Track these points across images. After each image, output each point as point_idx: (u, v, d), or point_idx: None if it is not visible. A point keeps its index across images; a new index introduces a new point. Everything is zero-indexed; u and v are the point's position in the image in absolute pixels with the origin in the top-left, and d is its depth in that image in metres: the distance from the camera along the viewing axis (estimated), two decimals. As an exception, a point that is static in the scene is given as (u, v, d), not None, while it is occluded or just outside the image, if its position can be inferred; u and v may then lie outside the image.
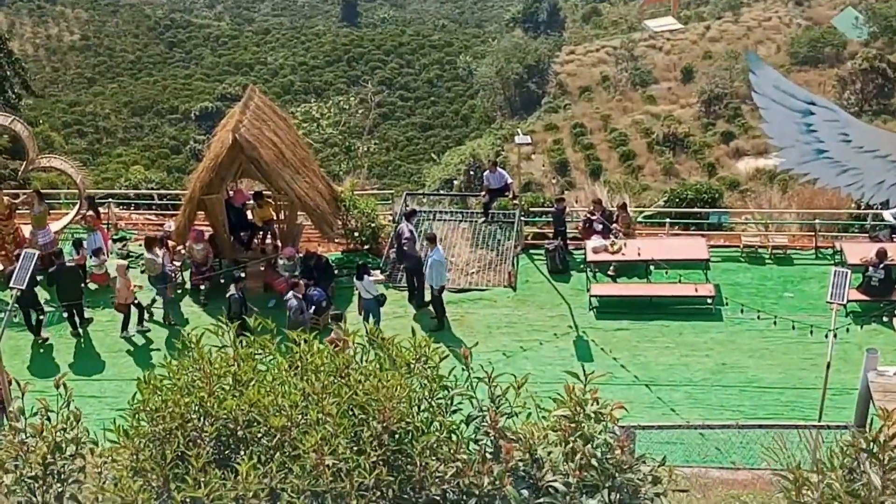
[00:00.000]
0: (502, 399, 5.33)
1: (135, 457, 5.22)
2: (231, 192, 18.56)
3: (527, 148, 33.90)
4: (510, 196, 19.72)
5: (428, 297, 17.03)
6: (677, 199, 21.27)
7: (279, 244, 18.35)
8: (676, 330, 16.36)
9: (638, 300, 17.17)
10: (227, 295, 15.78)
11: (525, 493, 4.95)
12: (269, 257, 17.95)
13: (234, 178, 18.10)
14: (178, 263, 17.96)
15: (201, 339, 5.73)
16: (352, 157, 34.52)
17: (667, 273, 17.31)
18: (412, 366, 5.54)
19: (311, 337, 5.79)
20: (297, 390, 5.49)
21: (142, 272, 17.58)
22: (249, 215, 18.69)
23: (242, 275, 17.01)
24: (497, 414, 5.26)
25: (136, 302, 16.50)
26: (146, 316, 16.78)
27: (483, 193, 20.18)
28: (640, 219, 20.69)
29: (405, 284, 17.76)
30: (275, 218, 18.38)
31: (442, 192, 30.15)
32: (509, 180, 19.49)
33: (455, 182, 32.00)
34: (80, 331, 16.50)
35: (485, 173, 20.24)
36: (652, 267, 17.33)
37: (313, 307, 15.67)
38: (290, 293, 15.36)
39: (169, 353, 14.68)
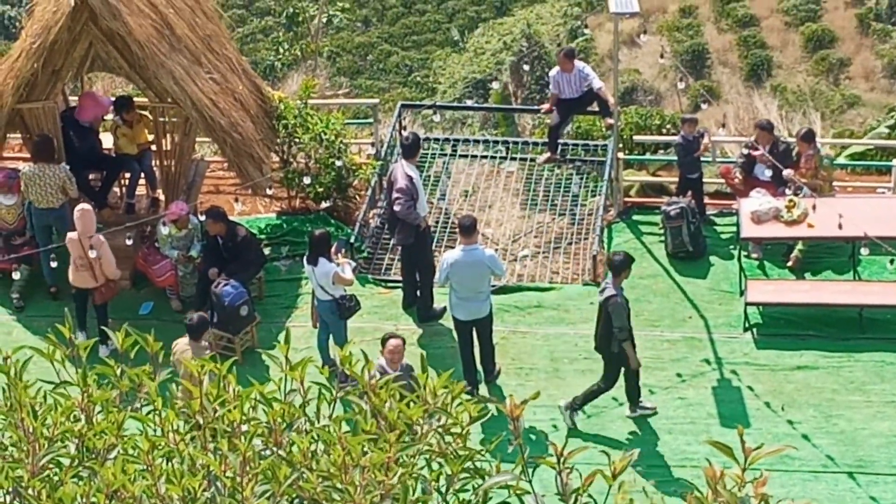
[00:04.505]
0: (582, 493, 5.55)
1: None
2: (71, 100, 18.94)
3: (631, 22, 33.71)
4: (605, 115, 20.04)
5: (442, 304, 17.60)
6: (914, 125, 22.18)
7: (160, 196, 18.83)
8: (910, 372, 17.07)
9: (838, 314, 17.66)
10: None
11: None
12: (142, 221, 18.22)
13: (79, 72, 18.42)
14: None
15: (22, 370, 6.00)
16: (300, 35, 34.40)
17: (893, 263, 17.67)
18: (417, 428, 5.80)
19: (223, 367, 6.09)
20: (195, 469, 5.70)
21: None
22: (107, 142, 18.97)
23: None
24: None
25: None
26: None
27: (548, 107, 20.74)
28: (841, 160, 20.86)
29: (399, 276, 18.47)
30: (152, 147, 18.70)
31: (469, 103, 30.74)
32: (597, 85, 19.92)
33: (494, 86, 32.13)
34: None
35: (551, 73, 20.69)
36: (864, 250, 17.60)
37: (218, 314, 16.71)
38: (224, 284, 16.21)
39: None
